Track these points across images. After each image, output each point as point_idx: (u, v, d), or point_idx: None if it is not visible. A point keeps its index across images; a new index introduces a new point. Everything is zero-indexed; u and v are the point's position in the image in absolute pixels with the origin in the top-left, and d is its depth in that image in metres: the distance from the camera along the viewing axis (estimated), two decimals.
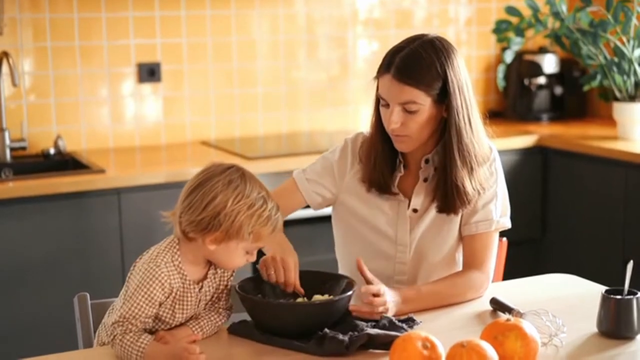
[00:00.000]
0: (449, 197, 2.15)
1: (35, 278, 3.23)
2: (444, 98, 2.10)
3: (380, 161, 2.21)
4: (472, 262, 2.21)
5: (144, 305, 1.83)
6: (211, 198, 1.83)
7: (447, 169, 2.13)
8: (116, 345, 1.81)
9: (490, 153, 2.22)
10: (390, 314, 1.97)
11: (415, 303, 2.06)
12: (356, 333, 1.85)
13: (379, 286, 1.99)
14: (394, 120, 2.10)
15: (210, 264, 1.94)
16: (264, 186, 1.91)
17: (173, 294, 1.87)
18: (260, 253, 2.10)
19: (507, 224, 2.25)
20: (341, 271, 2.36)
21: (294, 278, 2.04)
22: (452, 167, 2.13)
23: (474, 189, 2.15)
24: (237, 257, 1.89)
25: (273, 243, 2.09)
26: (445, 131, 2.14)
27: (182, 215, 1.86)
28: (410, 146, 2.16)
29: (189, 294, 1.90)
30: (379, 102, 2.16)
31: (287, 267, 2.04)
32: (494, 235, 2.23)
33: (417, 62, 2.07)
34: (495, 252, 2.26)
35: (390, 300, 1.99)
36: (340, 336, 1.83)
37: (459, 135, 2.12)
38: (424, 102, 2.08)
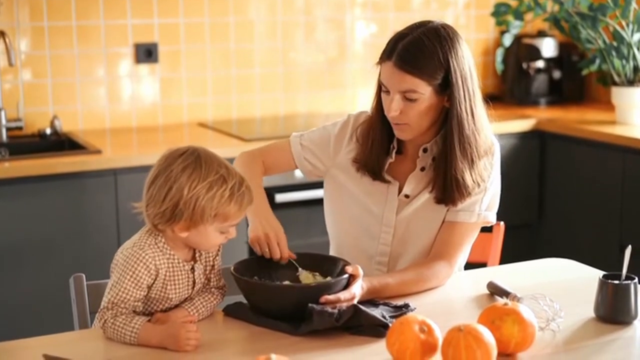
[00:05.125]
0: (447, 189, 2.13)
1: (31, 259, 3.23)
2: (446, 88, 2.07)
3: (377, 146, 2.19)
4: (442, 252, 2.16)
5: (131, 289, 1.82)
6: (168, 189, 1.81)
7: (447, 161, 2.11)
8: (108, 329, 1.80)
9: (492, 147, 2.19)
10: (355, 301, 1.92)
11: (379, 294, 2.01)
12: (344, 306, 1.85)
13: (339, 295, 1.89)
14: (393, 108, 2.08)
15: None
16: (224, 162, 1.86)
17: (162, 275, 1.86)
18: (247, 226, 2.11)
19: (490, 219, 2.21)
20: (331, 244, 2.36)
21: (287, 252, 2.05)
22: (452, 159, 2.10)
23: (473, 181, 2.13)
24: (212, 239, 1.87)
25: (260, 217, 2.09)
26: (446, 121, 2.12)
27: (148, 209, 1.85)
28: (409, 134, 2.14)
29: (179, 273, 1.89)
30: (381, 88, 2.14)
31: (281, 242, 2.05)
32: (473, 228, 2.20)
33: (420, 50, 2.04)
34: (468, 246, 2.23)
35: (358, 293, 1.93)
36: (329, 309, 1.83)
37: (461, 127, 2.09)
38: (425, 92, 2.06)
